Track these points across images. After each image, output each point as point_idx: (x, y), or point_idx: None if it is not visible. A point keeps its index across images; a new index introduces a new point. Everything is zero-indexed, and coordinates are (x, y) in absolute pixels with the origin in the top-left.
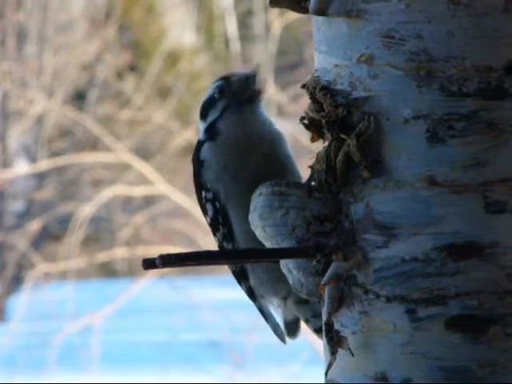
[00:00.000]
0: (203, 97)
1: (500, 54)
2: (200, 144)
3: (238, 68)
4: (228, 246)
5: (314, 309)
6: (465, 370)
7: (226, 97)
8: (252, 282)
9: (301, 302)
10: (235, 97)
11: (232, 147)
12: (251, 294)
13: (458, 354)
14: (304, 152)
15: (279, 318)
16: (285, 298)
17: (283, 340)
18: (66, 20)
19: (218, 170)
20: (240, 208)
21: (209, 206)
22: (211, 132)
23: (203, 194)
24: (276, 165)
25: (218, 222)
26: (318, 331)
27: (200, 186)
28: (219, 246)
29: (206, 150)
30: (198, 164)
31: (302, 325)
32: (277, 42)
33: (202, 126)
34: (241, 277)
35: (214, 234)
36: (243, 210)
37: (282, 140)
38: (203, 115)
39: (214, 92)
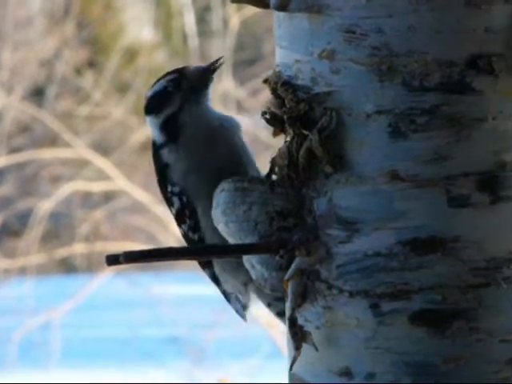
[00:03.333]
0: (149, 91)
1: (462, 49)
2: (158, 148)
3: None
4: (194, 236)
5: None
6: (429, 365)
7: (183, 89)
8: (216, 268)
9: None
10: (193, 89)
11: (196, 146)
12: (215, 278)
13: (422, 348)
14: (262, 147)
15: (240, 302)
16: (245, 284)
17: (244, 318)
18: (25, 16)
19: (184, 172)
20: (207, 203)
21: (175, 200)
22: (170, 129)
23: (169, 187)
24: (237, 156)
25: (185, 215)
26: (280, 314)
27: (165, 181)
28: (184, 236)
29: (166, 155)
30: (161, 166)
31: (263, 316)
32: (235, 37)
33: (154, 122)
34: (205, 264)
35: (179, 225)
36: (210, 205)
37: (239, 128)
38: (156, 109)
39: (167, 86)
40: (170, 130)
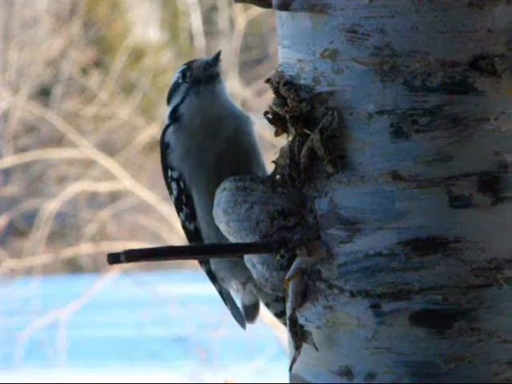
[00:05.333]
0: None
1: (464, 49)
2: (165, 127)
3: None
4: (190, 226)
5: None
6: (430, 365)
7: (187, 81)
8: (212, 265)
9: None
10: (196, 81)
11: (193, 131)
12: (211, 276)
13: (422, 348)
14: (268, 147)
15: (238, 302)
16: (243, 283)
17: (242, 325)
18: (31, 16)
19: (182, 153)
20: (202, 191)
21: (174, 185)
22: (174, 115)
23: (169, 172)
24: (239, 152)
25: (182, 202)
26: (278, 315)
27: (166, 166)
28: (182, 226)
29: (170, 134)
30: (164, 146)
31: (268, 316)
32: (241, 37)
33: (167, 111)
34: (202, 260)
35: (178, 214)
36: (205, 194)
37: (247, 125)
38: (168, 100)
39: (178, 77)
40: (174, 118)
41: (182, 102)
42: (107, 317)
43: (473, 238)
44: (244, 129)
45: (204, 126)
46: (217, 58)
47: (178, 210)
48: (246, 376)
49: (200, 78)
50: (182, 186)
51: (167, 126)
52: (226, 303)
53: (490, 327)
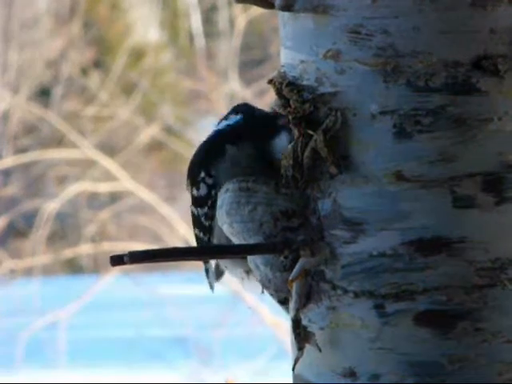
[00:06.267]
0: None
1: (467, 49)
2: (229, 135)
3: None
4: (206, 222)
5: None
6: (434, 366)
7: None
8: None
9: None
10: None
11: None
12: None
13: (426, 349)
14: None
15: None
16: (247, 272)
17: (212, 289)
18: (31, 16)
19: (230, 172)
20: None
21: (203, 186)
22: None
23: (202, 174)
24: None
25: (206, 204)
26: (282, 302)
27: (202, 166)
28: (194, 216)
29: (230, 149)
30: (215, 150)
31: (269, 317)
32: (241, 37)
33: (222, 123)
34: None
35: (195, 206)
36: None
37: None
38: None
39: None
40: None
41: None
42: (107, 317)
43: (477, 238)
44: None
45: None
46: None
47: (198, 205)
48: (246, 376)
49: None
50: (214, 194)
51: (232, 135)
52: (207, 276)
53: (494, 327)
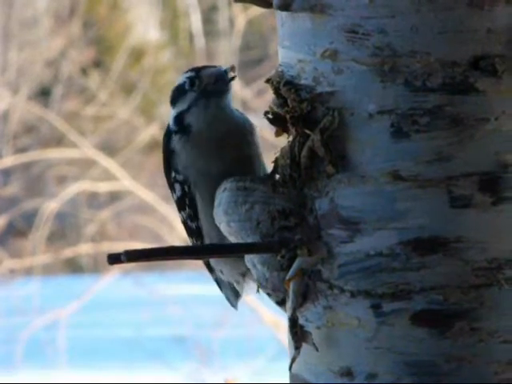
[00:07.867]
0: (176, 82)
1: (465, 49)
2: (170, 133)
3: (208, 64)
4: (192, 224)
5: None
6: (430, 365)
7: (195, 90)
8: (211, 259)
9: None
10: (205, 92)
11: (201, 144)
12: (208, 266)
13: (423, 348)
14: (268, 147)
15: (232, 289)
16: (243, 275)
17: (234, 306)
18: (31, 16)
19: (188, 161)
20: (206, 197)
21: (177, 186)
22: (180, 124)
23: (173, 173)
24: (245, 161)
25: (185, 203)
26: (280, 303)
27: (170, 168)
28: (183, 223)
29: (175, 141)
30: (168, 151)
31: (269, 317)
32: (241, 36)
33: (171, 112)
34: None
35: (179, 211)
36: (209, 199)
37: (252, 135)
38: (172, 102)
39: (185, 82)
40: (180, 125)
41: (188, 110)
42: (107, 317)
43: (473, 237)
44: (250, 139)
45: (212, 138)
46: (225, 72)
47: (180, 208)
48: (246, 376)
49: (209, 91)
50: (187, 189)
51: (172, 132)
52: (221, 290)
53: (490, 327)
